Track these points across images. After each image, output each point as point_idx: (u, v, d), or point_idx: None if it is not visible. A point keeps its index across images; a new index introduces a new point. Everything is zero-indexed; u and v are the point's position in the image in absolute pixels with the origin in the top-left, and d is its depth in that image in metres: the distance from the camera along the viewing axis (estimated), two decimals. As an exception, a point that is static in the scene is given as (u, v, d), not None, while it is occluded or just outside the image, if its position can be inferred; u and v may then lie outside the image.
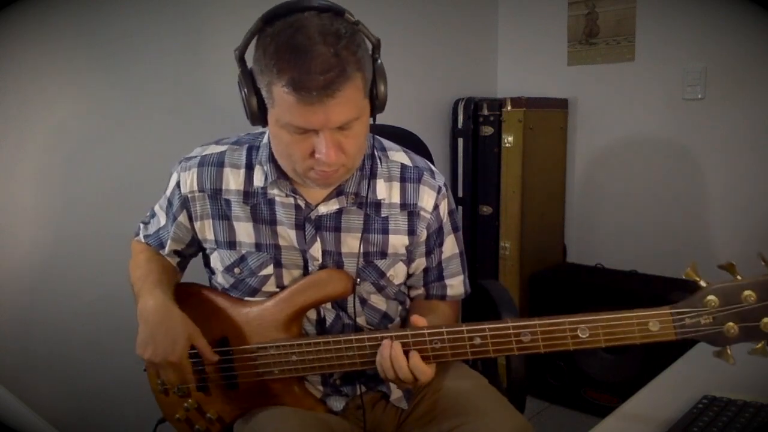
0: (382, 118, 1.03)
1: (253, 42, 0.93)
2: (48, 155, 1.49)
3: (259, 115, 0.96)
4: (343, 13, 0.92)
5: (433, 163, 1.46)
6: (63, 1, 1.46)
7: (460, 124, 2.49)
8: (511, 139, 2.38)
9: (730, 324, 0.83)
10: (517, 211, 2.41)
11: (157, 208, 1.19)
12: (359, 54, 0.90)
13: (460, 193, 2.52)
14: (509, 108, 2.37)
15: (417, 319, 0.98)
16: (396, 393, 1.13)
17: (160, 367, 1.02)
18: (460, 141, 2.49)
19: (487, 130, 2.42)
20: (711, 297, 0.83)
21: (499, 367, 1.38)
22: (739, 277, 0.82)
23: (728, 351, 0.83)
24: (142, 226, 1.22)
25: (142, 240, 1.20)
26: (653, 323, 0.85)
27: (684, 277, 0.84)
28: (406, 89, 2.35)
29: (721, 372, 1.09)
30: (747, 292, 0.82)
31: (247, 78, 0.94)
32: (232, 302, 1.11)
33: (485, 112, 2.42)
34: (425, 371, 0.95)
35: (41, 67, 1.44)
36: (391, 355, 0.95)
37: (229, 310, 1.10)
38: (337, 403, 1.11)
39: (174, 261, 1.20)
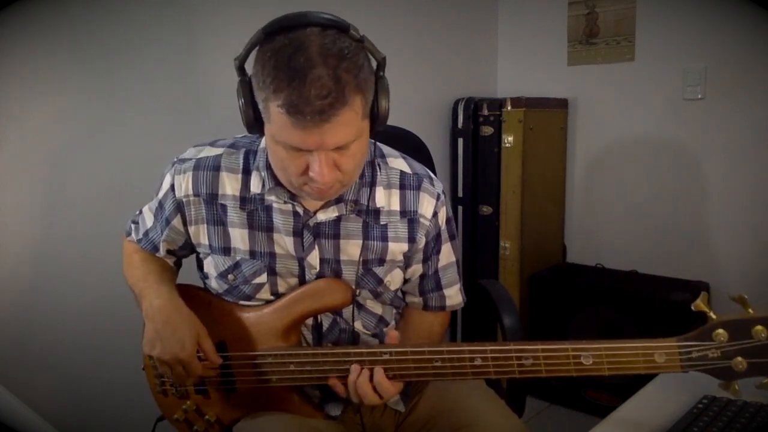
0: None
1: (254, 51, 0.90)
2: (46, 155, 1.48)
3: (255, 125, 0.94)
4: (347, 29, 0.87)
5: (434, 166, 1.43)
6: (60, 2, 1.45)
7: (460, 124, 2.49)
8: (511, 139, 2.38)
9: (739, 359, 0.80)
10: (517, 211, 2.41)
11: (146, 209, 1.15)
12: (361, 76, 0.86)
13: (460, 193, 2.52)
14: (509, 108, 2.37)
15: (392, 336, 0.99)
16: None
17: (170, 364, 1.01)
18: (460, 141, 2.49)
19: (487, 130, 2.42)
20: (720, 330, 0.80)
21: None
22: (750, 311, 0.80)
23: (735, 386, 0.81)
24: (133, 226, 1.18)
25: (135, 241, 1.17)
26: (659, 355, 0.83)
27: (693, 309, 0.82)
28: (406, 89, 2.35)
29: (721, 372, 1.09)
30: (758, 328, 0.79)
31: (246, 88, 0.91)
32: (231, 307, 1.09)
33: (485, 112, 2.42)
34: (389, 389, 0.95)
35: (27, 68, 1.44)
36: (356, 381, 0.96)
37: (228, 315, 1.09)
38: (335, 409, 1.11)
39: (170, 261, 1.18)
